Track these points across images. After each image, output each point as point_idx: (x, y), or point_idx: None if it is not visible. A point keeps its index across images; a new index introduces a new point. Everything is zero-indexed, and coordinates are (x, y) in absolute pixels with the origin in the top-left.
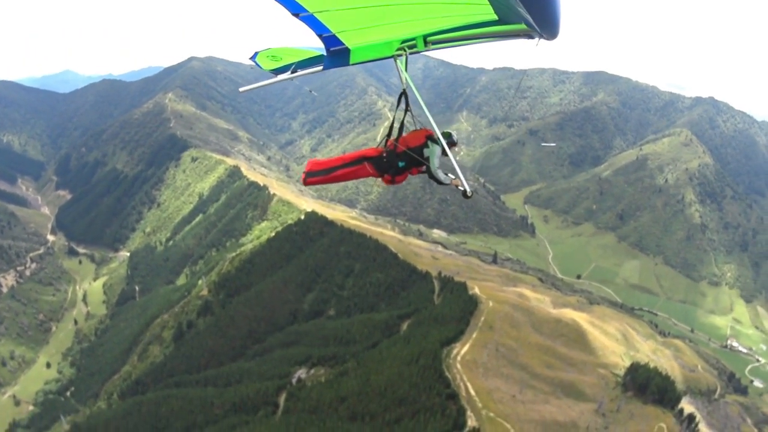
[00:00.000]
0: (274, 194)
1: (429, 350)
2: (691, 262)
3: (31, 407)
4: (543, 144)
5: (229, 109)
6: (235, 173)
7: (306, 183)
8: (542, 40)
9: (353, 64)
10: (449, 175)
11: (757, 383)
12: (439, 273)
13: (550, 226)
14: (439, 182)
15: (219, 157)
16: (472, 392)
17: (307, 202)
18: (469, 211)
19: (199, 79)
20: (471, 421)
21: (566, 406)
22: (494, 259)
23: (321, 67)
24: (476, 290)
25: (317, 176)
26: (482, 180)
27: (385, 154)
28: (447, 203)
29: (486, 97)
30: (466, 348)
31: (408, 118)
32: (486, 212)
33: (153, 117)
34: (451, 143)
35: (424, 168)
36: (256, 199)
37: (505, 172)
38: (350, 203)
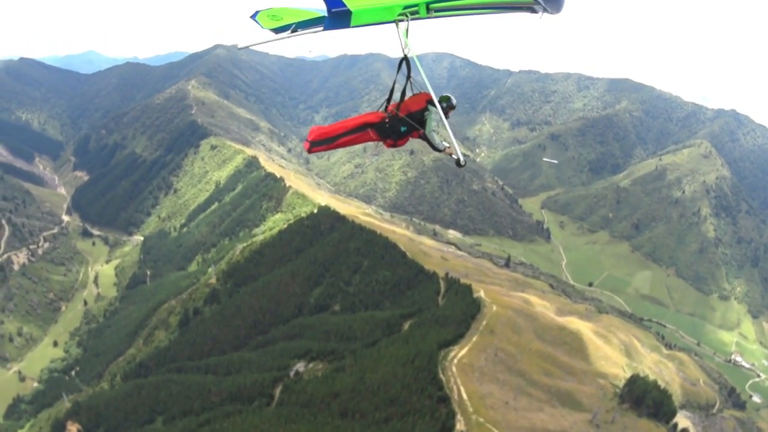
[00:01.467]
0: (289, 186)
1: (426, 351)
2: (702, 276)
3: (35, 384)
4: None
5: (253, 98)
6: (252, 163)
7: (310, 151)
8: (545, 14)
9: (353, 27)
10: (444, 142)
11: (756, 398)
12: (446, 274)
13: (566, 233)
14: (434, 147)
15: (238, 146)
16: (464, 396)
17: (322, 196)
18: (485, 213)
19: (223, 67)
20: (460, 425)
21: (560, 415)
22: (507, 263)
23: (321, 28)
24: (481, 293)
25: (321, 144)
26: (501, 182)
27: (387, 120)
28: (464, 204)
29: (510, 99)
30: (464, 351)
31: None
32: (502, 215)
33: (175, 103)
34: (450, 107)
35: (422, 132)
36: (272, 190)
37: (524, 176)
38: (367, 199)
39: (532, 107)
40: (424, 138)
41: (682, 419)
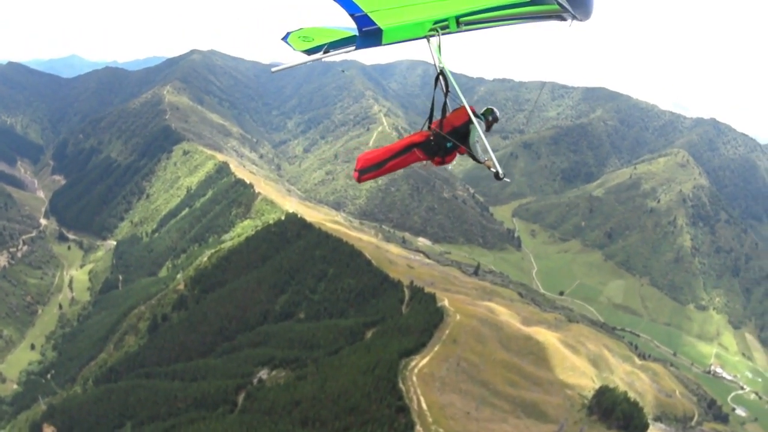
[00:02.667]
0: (258, 193)
1: (386, 360)
2: (678, 285)
3: (14, 386)
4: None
5: (227, 104)
6: (223, 169)
7: (360, 180)
8: (575, 22)
9: (386, 45)
10: (485, 154)
11: (740, 411)
12: (411, 282)
13: (537, 241)
14: (475, 158)
15: (210, 152)
16: (424, 406)
17: (291, 203)
18: (455, 221)
19: (198, 72)
20: None
21: (524, 426)
22: (476, 271)
23: (353, 48)
24: (445, 302)
25: (370, 172)
26: (472, 191)
27: (432, 138)
28: (434, 212)
29: (483, 107)
30: (425, 361)
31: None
32: (473, 223)
33: (150, 108)
34: (494, 119)
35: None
36: (241, 196)
37: (495, 184)
38: (337, 206)
39: (506, 115)
40: (467, 149)
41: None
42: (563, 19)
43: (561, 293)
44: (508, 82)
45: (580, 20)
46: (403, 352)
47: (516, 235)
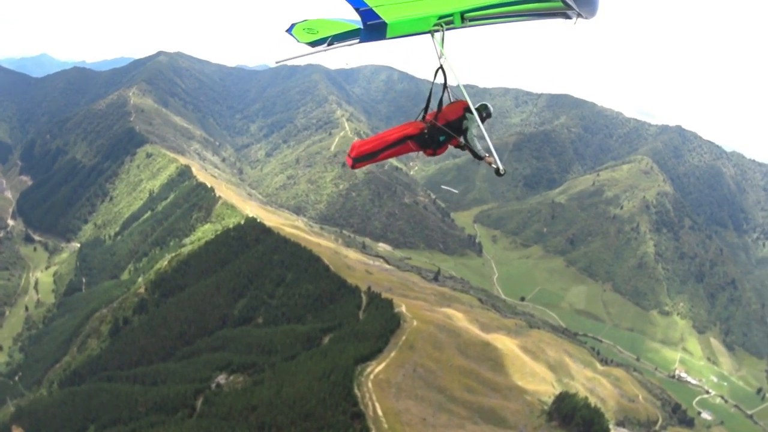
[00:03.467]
0: (219, 197)
1: (342, 366)
2: (641, 291)
3: None
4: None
5: (191, 107)
6: (185, 173)
7: (354, 167)
8: (580, 20)
9: (390, 38)
10: (483, 150)
11: (706, 415)
12: (368, 288)
13: (498, 247)
14: (475, 155)
15: (172, 155)
16: (380, 413)
17: (251, 207)
18: (416, 226)
19: (164, 74)
20: None
21: None
22: (435, 277)
23: (357, 41)
24: (402, 308)
25: (364, 160)
26: (433, 196)
27: (426, 130)
28: (395, 217)
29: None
30: (381, 367)
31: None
32: (433, 229)
33: (115, 109)
34: (488, 114)
35: (461, 140)
36: (202, 200)
37: (457, 190)
38: (298, 210)
39: None
40: (465, 145)
41: None
42: (568, 16)
43: (522, 299)
44: (472, 88)
45: (585, 18)
46: (359, 358)
47: (477, 240)
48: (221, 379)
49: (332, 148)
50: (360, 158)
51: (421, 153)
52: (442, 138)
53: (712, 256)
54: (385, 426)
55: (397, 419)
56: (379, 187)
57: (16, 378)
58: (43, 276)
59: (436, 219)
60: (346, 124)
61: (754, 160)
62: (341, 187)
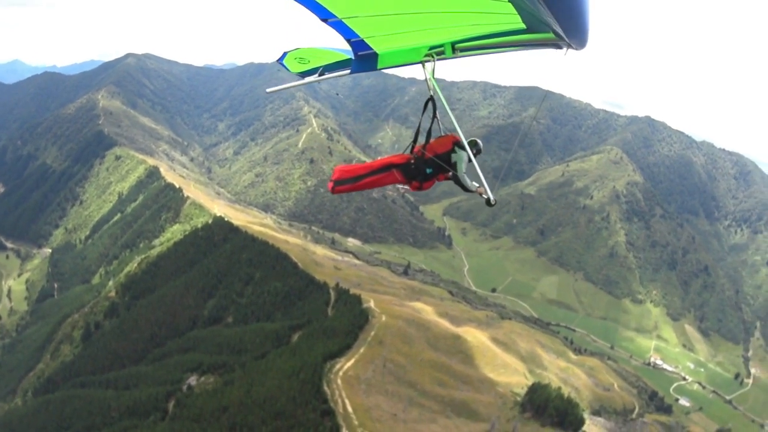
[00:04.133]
0: (187, 197)
1: (311, 364)
2: (613, 279)
3: None
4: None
5: (159, 107)
6: (153, 174)
7: (334, 192)
8: (570, 50)
9: (381, 69)
10: (474, 183)
11: (683, 402)
12: (337, 284)
13: (468, 239)
14: (466, 189)
15: (141, 156)
16: (350, 409)
17: (219, 206)
18: (385, 221)
19: (132, 76)
20: None
21: (454, 426)
22: (405, 271)
23: (348, 71)
24: (371, 303)
25: (345, 184)
26: (402, 190)
27: (412, 161)
28: (363, 212)
29: (414, 107)
30: (350, 363)
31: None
32: (402, 222)
33: (84, 113)
34: (478, 151)
35: (450, 174)
36: (171, 201)
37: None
38: (267, 208)
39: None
40: (454, 180)
41: (594, 427)
42: (559, 47)
43: (493, 290)
44: (440, 81)
45: (576, 49)
46: (328, 354)
47: (447, 233)
48: (192, 380)
49: (300, 145)
50: (341, 182)
51: (406, 187)
52: (429, 170)
53: (684, 244)
54: (356, 422)
55: (368, 415)
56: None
57: None
58: (15, 284)
59: (405, 213)
60: (313, 121)
61: (724, 149)
62: (309, 183)
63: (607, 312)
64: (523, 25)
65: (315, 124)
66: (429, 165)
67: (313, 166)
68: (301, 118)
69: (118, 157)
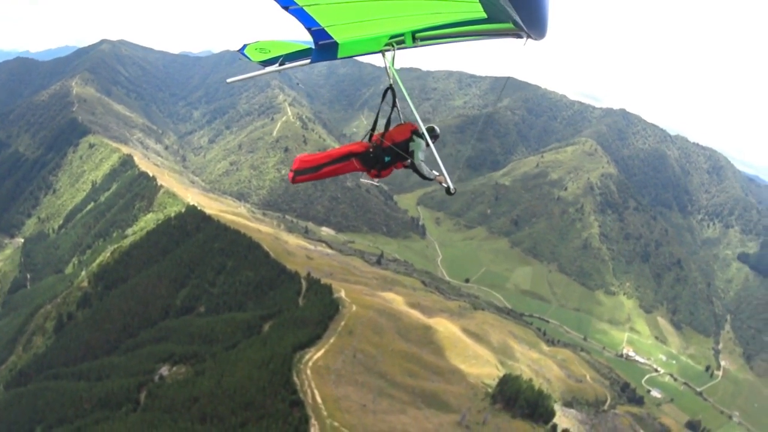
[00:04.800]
0: (161, 185)
1: (280, 354)
2: (587, 271)
3: None
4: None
5: (134, 95)
6: (127, 162)
7: (294, 181)
8: (530, 40)
9: (341, 58)
10: (433, 171)
11: (655, 393)
12: (308, 274)
13: (442, 229)
14: (423, 177)
15: (115, 144)
16: (319, 400)
17: (193, 195)
18: (359, 210)
19: (107, 63)
20: (314, 430)
21: (424, 417)
22: (378, 260)
23: (309, 61)
24: (342, 293)
25: (305, 174)
26: (376, 180)
27: (371, 150)
28: (337, 201)
29: (388, 96)
30: (320, 353)
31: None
32: (376, 212)
33: (58, 100)
34: (435, 137)
35: (408, 162)
36: (144, 189)
37: (399, 172)
38: (241, 197)
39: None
40: (413, 168)
41: (566, 418)
42: (519, 36)
43: (467, 280)
44: (415, 71)
45: (535, 39)
46: (298, 345)
47: (420, 223)
48: (164, 370)
49: (274, 134)
50: (300, 171)
51: (365, 174)
52: (387, 158)
53: (657, 237)
54: (325, 413)
55: (337, 406)
56: None
57: None
58: None
59: (378, 202)
60: (288, 109)
61: (697, 144)
62: (283, 172)
63: (581, 303)
64: (483, 15)
65: (290, 113)
66: (387, 153)
67: (288, 155)
68: (276, 106)
69: (91, 145)
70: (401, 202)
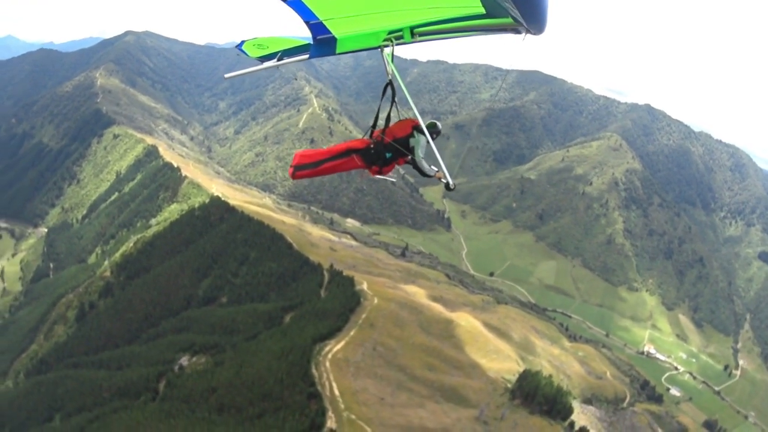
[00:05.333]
0: (185, 176)
1: (300, 346)
2: (610, 267)
3: None
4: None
5: (159, 86)
6: (152, 152)
7: (294, 177)
8: (528, 35)
9: (339, 54)
10: (432, 167)
11: (674, 391)
12: (331, 265)
13: (467, 222)
14: (423, 173)
15: (139, 135)
16: (336, 392)
17: (218, 186)
18: (384, 202)
19: (132, 54)
20: (330, 422)
21: (442, 411)
22: (403, 253)
23: (307, 56)
24: (364, 286)
25: (305, 169)
26: (402, 171)
27: (372, 146)
28: (363, 193)
29: (416, 89)
30: (339, 346)
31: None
32: (402, 204)
33: (82, 91)
34: (436, 133)
35: (409, 158)
36: (168, 180)
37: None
38: (267, 188)
39: (438, 97)
40: (413, 164)
41: (584, 415)
42: (518, 32)
43: (491, 274)
44: (442, 63)
45: (534, 34)
46: (318, 337)
47: (446, 216)
48: (184, 360)
49: (300, 125)
50: (300, 167)
51: (365, 171)
52: (388, 155)
53: (680, 234)
54: (342, 406)
55: (354, 399)
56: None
57: None
58: (9, 264)
59: (404, 194)
60: (314, 101)
61: (721, 141)
62: None
63: (604, 299)
64: (482, 10)
65: (316, 104)
66: (388, 149)
67: (314, 146)
68: (303, 98)
69: (116, 136)
70: (427, 195)
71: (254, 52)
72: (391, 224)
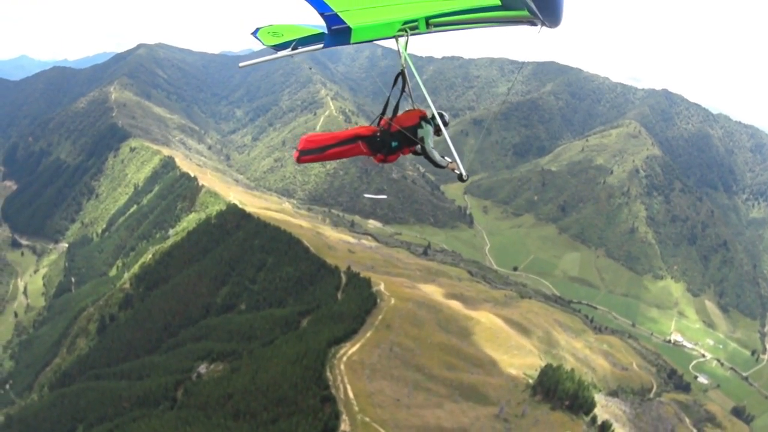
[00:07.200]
0: (202, 185)
1: (315, 349)
2: (634, 255)
3: None
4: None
5: (174, 97)
6: (168, 163)
7: (300, 161)
8: (544, 28)
9: (354, 44)
10: (446, 158)
11: (702, 379)
12: (348, 268)
13: (490, 217)
14: (435, 164)
15: (156, 147)
16: (351, 395)
17: (235, 193)
18: (405, 201)
19: (145, 67)
20: (344, 425)
21: (460, 410)
22: (425, 251)
23: (321, 45)
24: (381, 287)
25: (311, 154)
26: (422, 170)
27: (378, 134)
28: (383, 193)
29: (432, 86)
30: (355, 348)
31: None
32: (423, 203)
33: (97, 106)
34: (445, 124)
35: (416, 148)
36: (186, 190)
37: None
38: (287, 193)
39: (455, 93)
40: (424, 154)
41: (608, 408)
42: (533, 24)
43: (515, 269)
44: (457, 59)
45: (550, 27)
46: (333, 340)
47: (468, 212)
48: (202, 368)
49: (318, 128)
50: (306, 152)
51: (371, 158)
52: (394, 144)
53: (703, 218)
54: (356, 409)
55: (369, 401)
56: (366, 163)
57: (7, 386)
58: (32, 280)
59: (425, 192)
60: (331, 104)
61: (740, 122)
62: (328, 166)
63: (629, 289)
64: (497, 2)
65: (332, 107)
66: (395, 138)
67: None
68: (319, 101)
69: (132, 149)
70: (448, 192)
71: (269, 40)
72: (413, 223)
